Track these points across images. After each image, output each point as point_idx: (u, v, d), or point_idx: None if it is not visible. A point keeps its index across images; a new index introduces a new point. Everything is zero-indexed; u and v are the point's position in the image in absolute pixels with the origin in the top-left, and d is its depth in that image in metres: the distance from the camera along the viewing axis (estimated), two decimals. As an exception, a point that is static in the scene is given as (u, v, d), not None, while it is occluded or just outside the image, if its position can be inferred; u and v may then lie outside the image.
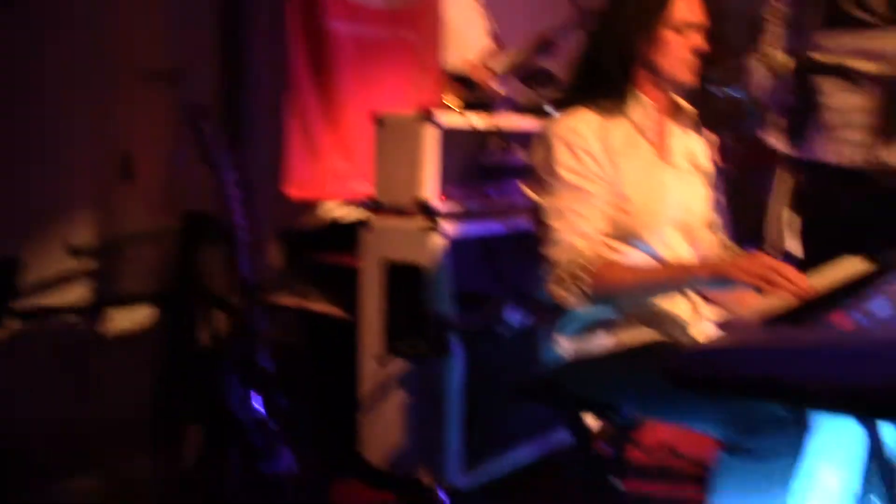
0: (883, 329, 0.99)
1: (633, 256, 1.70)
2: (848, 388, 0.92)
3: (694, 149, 1.87)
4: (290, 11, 3.06)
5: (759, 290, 1.40)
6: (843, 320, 1.05)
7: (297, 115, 3.14)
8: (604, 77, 1.73)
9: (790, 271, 1.39)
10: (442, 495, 2.19)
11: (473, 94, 3.77)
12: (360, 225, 2.49)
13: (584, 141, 1.67)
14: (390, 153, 2.38)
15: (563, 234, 1.64)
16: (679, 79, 1.74)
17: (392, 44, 3.48)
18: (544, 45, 3.78)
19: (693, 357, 1.10)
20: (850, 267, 1.57)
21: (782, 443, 1.41)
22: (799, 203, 2.35)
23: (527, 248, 2.41)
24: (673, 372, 1.13)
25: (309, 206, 3.29)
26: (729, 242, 1.95)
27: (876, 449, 1.32)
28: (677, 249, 1.76)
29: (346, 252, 2.85)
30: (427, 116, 2.27)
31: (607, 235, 1.68)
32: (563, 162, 1.66)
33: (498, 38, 4.00)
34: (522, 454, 2.56)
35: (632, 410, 1.74)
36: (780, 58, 2.15)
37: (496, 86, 3.93)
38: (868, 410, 1.02)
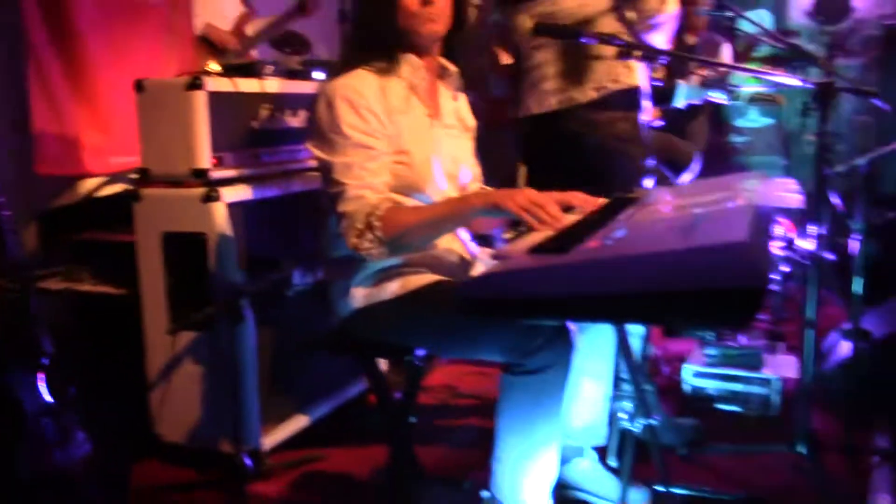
0: (620, 246, 1.19)
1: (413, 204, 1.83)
2: (599, 298, 1.12)
3: (460, 108, 2.04)
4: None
5: (520, 222, 1.59)
6: (594, 244, 1.25)
7: (39, 85, 2.91)
8: (375, 40, 1.83)
9: (552, 206, 1.59)
10: (246, 460, 2.21)
11: (229, 59, 3.70)
12: (127, 198, 2.39)
13: (366, 100, 1.76)
14: (156, 121, 2.30)
15: (352, 189, 1.72)
16: (419, 34, 1.83)
17: (142, 9, 3.31)
18: (297, 11, 3.80)
19: (472, 286, 1.24)
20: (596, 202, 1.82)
21: (554, 360, 1.62)
22: (527, 154, 2.64)
23: (309, 208, 2.48)
24: (457, 301, 1.27)
25: (68, 183, 3.08)
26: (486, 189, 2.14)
27: (626, 354, 1.57)
28: (448, 195, 1.91)
29: (115, 228, 2.73)
30: (194, 81, 2.22)
31: (392, 189, 1.79)
32: (348, 120, 1.74)
33: (249, 4, 3.94)
34: (321, 408, 2.65)
35: (423, 348, 1.89)
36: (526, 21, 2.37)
37: (251, 51, 3.90)
38: (615, 316, 1.24)
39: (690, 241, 1.10)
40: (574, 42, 2.17)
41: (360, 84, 1.78)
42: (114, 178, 3.15)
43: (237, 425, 2.20)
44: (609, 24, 2.33)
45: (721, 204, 1.42)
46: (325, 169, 1.78)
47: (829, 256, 3.01)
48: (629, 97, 2.34)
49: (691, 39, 3.76)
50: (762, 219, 1.30)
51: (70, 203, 3.04)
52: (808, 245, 2.04)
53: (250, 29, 3.88)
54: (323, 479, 2.40)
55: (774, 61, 3.94)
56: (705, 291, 1.04)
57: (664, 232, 1.28)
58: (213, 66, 3.28)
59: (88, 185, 3.12)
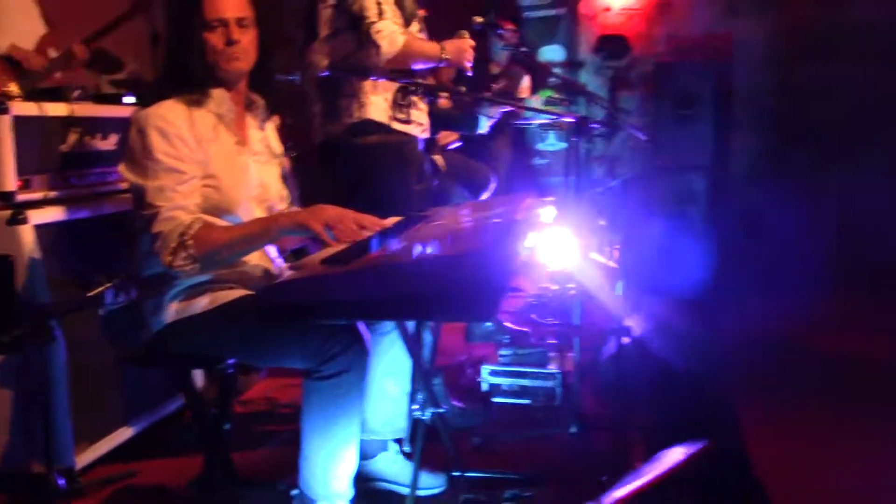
0: (393, 257, 1.43)
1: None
2: (373, 301, 1.35)
3: (268, 136, 2.22)
4: None
5: (319, 239, 1.80)
6: (373, 255, 1.49)
7: None
8: (184, 74, 1.98)
9: (348, 223, 1.81)
10: (58, 479, 2.24)
11: (33, 81, 3.65)
12: None
13: (175, 128, 1.91)
14: (-44, 144, 2.29)
15: (165, 210, 1.87)
16: (225, 70, 2.01)
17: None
18: (104, 31, 3.81)
19: (268, 293, 1.44)
20: (387, 222, 2.07)
21: (349, 365, 1.81)
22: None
23: (121, 228, 2.55)
24: (259, 308, 1.46)
25: None
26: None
27: (412, 352, 1.81)
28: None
29: None
30: (-2, 106, 2.25)
31: (203, 210, 1.94)
32: (159, 147, 1.89)
33: (53, 24, 3.88)
34: (138, 424, 2.70)
35: (232, 357, 2.03)
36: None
37: (58, 72, 3.85)
38: (388, 314, 1.47)
39: (445, 252, 1.36)
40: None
41: (171, 113, 1.93)
42: None
43: (49, 445, 2.22)
44: None
45: (486, 220, 1.70)
46: (138, 192, 1.90)
47: (603, 263, 3.48)
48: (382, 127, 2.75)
49: (494, 69, 4.18)
50: (515, 231, 1.60)
51: None
52: (596, 256, 2.40)
53: (53, 51, 3.83)
54: (137, 494, 2.46)
55: (562, 92, 4.40)
56: (453, 291, 1.30)
57: (431, 244, 1.54)
58: (13, 88, 3.25)
59: None
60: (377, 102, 2.74)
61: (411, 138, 2.84)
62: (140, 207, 1.91)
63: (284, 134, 3.88)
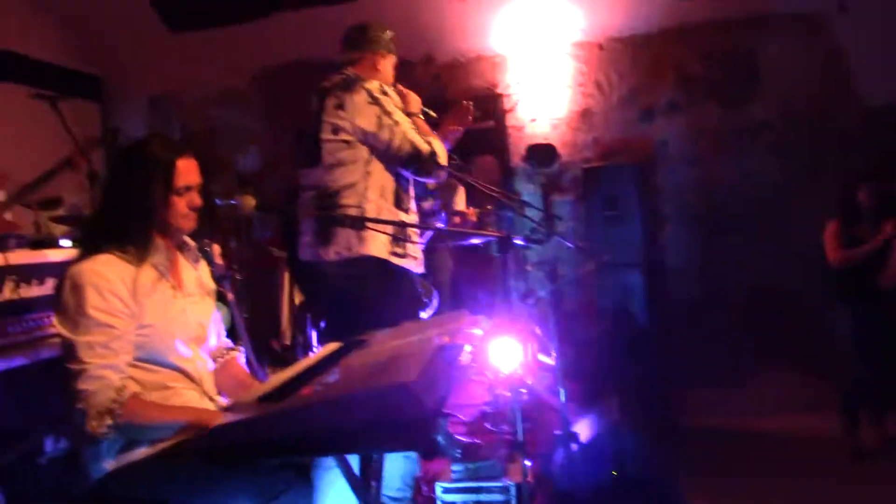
0: (325, 391, 1.48)
1: (159, 371, 2.01)
2: (305, 437, 1.38)
3: (202, 275, 2.27)
4: None
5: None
6: (307, 390, 1.53)
7: None
8: (125, 231, 2.01)
9: None
10: None
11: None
12: None
13: (111, 284, 1.92)
14: None
15: (94, 368, 1.86)
16: (183, 230, 2.12)
17: None
18: (38, 183, 3.89)
19: (206, 439, 1.46)
20: (326, 350, 2.11)
21: (295, 501, 1.82)
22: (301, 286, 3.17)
23: (57, 375, 2.53)
24: (197, 454, 1.48)
25: None
26: (228, 343, 2.37)
27: (349, 479, 1.82)
28: (193, 359, 2.11)
29: None
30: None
31: (136, 359, 1.95)
32: (93, 303, 1.89)
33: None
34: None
35: (179, 501, 2.00)
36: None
37: (7, 216, 3.88)
38: (323, 450, 1.50)
39: (371, 384, 1.41)
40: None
41: (107, 269, 1.94)
42: None
43: None
44: None
45: (418, 342, 1.76)
46: (69, 347, 1.90)
47: (550, 365, 3.54)
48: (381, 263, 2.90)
49: (430, 184, 4.33)
50: (447, 353, 1.66)
51: None
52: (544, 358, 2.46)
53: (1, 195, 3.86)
54: None
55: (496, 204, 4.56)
56: (384, 424, 1.34)
57: (361, 374, 1.59)
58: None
59: None
60: (378, 237, 2.85)
61: (406, 272, 2.97)
62: (68, 362, 1.89)
63: (229, 256, 3.96)
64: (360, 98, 2.92)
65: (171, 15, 5.84)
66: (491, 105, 5.70)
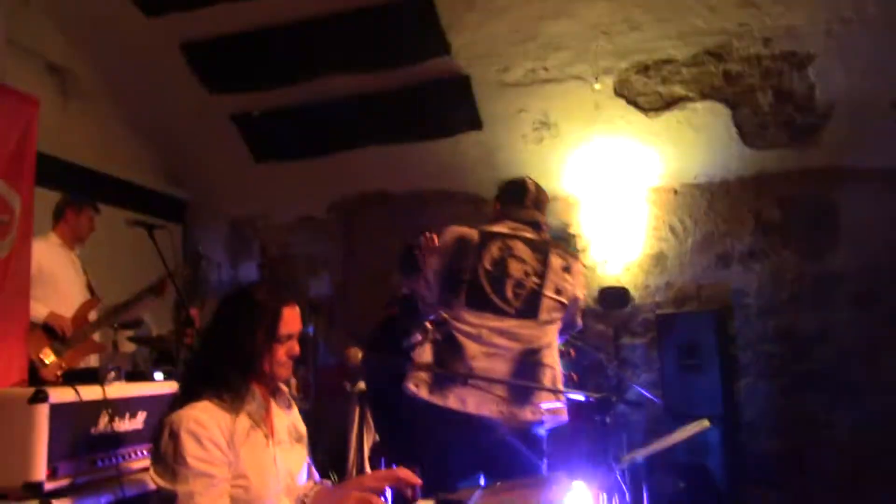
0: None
1: None
2: None
3: (294, 419, 2.25)
4: None
5: None
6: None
7: None
8: (224, 377, 2.02)
9: None
10: None
11: (67, 346, 3.76)
12: None
13: (209, 432, 1.91)
14: (-7, 432, 2.31)
15: None
16: (280, 378, 2.13)
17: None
18: (151, 293, 4.02)
19: None
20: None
21: None
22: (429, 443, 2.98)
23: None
24: None
25: None
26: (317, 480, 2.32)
27: None
28: None
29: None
30: (37, 394, 2.29)
31: None
32: (191, 452, 1.88)
33: (93, 290, 4.08)
34: None
35: None
36: None
37: (95, 336, 3.99)
38: None
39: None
40: None
41: (205, 416, 1.93)
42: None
43: None
44: None
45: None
46: (167, 498, 1.87)
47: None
48: None
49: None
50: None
51: None
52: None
53: (93, 315, 3.98)
54: None
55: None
56: None
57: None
58: (47, 354, 3.33)
59: None
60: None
61: None
62: None
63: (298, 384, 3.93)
64: (581, 268, 3.09)
65: (259, 147, 6.12)
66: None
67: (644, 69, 5.24)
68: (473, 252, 2.99)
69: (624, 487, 3.20)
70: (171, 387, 2.84)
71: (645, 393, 3.33)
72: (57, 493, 2.30)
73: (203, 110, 5.83)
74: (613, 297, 5.47)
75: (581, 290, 3.08)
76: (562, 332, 3.10)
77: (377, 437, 3.96)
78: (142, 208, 5.63)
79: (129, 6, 5.04)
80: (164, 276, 3.88)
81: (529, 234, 3.07)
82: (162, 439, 1.92)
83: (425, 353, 2.95)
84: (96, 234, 4.43)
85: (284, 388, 2.22)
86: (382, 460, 3.89)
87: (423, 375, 2.90)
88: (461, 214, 3.27)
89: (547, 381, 2.86)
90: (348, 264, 6.37)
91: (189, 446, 1.88)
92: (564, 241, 3.20)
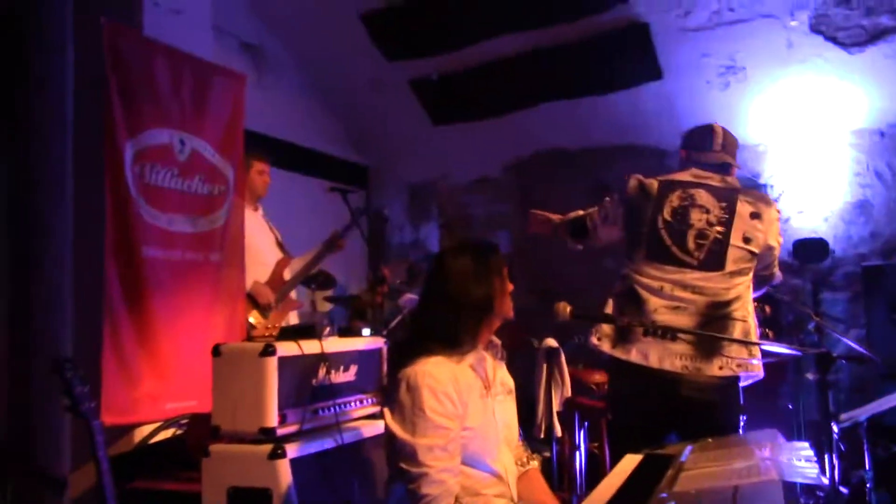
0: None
1: (472, 476, 2.04)
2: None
3: (503, 373, 2.30)
4: (107, 240, 3.18)
5: None
6: None
7: (112, 342, 3.19)
8: (456, 332, 2.09)
9: None
10: None
11: (267, 312, 4.06)
12: (178, 445, 2.56)
13: (443, 385, 1.99)
14: (229, 382, 2.54)
15: (435, 472, 1.93)
16: (509, 316, 2.18)
17: (200, 266, 3.67)
18: (328, 248, 4.27)
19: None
20: (628, 464, 2.03)
21: None
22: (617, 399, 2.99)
23: (356, 458, 2.68)
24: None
25: (122, 430, 3.28)
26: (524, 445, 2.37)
27: None
28: (506, 462, 2.14)
29: (170, 476, 2.89)
30: (267, 348, 2.50)
31: (460, 461, 2.00)
32: (429, 404, 1.97)
33: (284, 247, 4.36)
34: None
35: None
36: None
37: (292, 294, 4.27)
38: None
39: None
40: None
41: (438, 370, 2.01)
42: (166, 423, 3.36)
43: None
44: None
45: (751, 474, 1.64)
46: (406, 448, 1.96)
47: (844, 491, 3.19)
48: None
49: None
50: (790, 494, 1.53)
51: (124, 452, 3.21)
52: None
53: (287, 273, 4.27)
54: None
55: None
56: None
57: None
58: (254, 318, 3.62)
59: (141, 432, 3.32)
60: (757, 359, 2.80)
61: None
62: (405, 462, 1.96)
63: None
64: (774, 214, 2.94)
65: (437, 110, 6.24)
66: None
67: (846, 0, 4.81)
68: (653, 203, 2.92)
69: (842, 448, 3.04)
70: (377, 342, 3.02)
71: (860, 349, 3.11)
72: (287, 438, 2.51)
73: (383, 78, 6.02)
74: (810, 250, 5.12)
75: (774, 238, 2.91)
76: (757, 286, 2.96)
77: (568, 393, 3.97)
78: (327, 175, 5.94)
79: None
80: (337, 232, 4.15)
81: (715, 182, 2.93)
82: (399, 391, 2.00)
83: (608, 307, 2.93)
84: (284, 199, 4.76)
85: (497, 340, 2.28)
86: (576, 415, 3.91)
87: (607, 329, 2.88)
88: (642, 168, 3.16)
89: (738, 335, 2.74)
90: (526, 223, 6.38)
91: (428, 400, 1.96)
92: (757, 188, 3.00)
